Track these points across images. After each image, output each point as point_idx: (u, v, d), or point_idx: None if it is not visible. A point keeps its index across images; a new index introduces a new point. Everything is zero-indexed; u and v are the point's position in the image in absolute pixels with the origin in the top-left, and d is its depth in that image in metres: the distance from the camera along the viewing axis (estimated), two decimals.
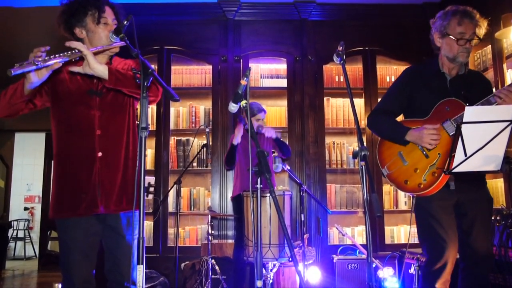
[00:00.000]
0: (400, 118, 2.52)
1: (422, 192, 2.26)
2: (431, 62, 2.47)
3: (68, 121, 2.01)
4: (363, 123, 4.59)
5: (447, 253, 2.21)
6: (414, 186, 2.27)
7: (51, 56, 1.74)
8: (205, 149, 3.91)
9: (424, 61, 2.63)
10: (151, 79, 1.70)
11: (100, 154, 1.99)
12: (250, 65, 4.78)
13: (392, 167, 2.36)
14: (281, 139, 3.88)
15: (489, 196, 2.36)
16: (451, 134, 2.24)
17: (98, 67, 1.81)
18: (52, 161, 7.77)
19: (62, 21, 2.05)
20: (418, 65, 2.57)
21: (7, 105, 1.91)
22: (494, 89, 2.45)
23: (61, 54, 1.77)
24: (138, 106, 2.25)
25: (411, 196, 2.39)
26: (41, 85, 1.93)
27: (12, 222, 8.44)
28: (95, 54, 1.96)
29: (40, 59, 1.70)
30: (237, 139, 3.72)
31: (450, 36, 2.31)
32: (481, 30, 2.32)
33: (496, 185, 3.77)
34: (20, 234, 8.86)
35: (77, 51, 1.79)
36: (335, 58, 2.09)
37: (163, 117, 4.66)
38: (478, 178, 2.33)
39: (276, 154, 3.84)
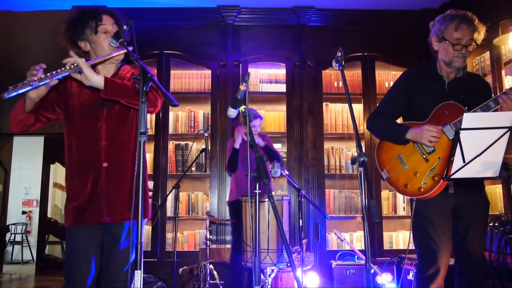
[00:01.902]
0: (398, 121, 2.52)
1: (422, 196, 2.25)
2: (429, 66, 2.47)
3: (77, 132, 2.06)
4: (362, 128, 4.60)
5: (439, 259, 2.21)
6: (414, 190, 2.26)
7: (48, 74, 1.77)
8: (203, 153, 3.91)
9: (422, 64, 2.62)
10: (150, 84, 1.70)
11: (105, 164, 2.02)
12: (249, 70, 4.79)
13: (392, 170, 2.35)
14: (270, 147, 3.86)
15: (487, 200, 2.35)
16: (450, 138, 2.24)
17: (95, 78, 1.84)
18: (51, 166, 7.74)
19: (66, 39, 2.10)
20: (416, 68, 2.57)
21: (17, 122, 1.98)
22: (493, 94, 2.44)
23: (58, 70, 1.80)
24: None
25: (410, 200, 2.38)
26: (53, 99, 2.02)
27: (10, 226, 8.41)
28: (96, 64, 2.00)
29: (35, 78, 1.73)
30: (238, 142, 3.71)
31: (447, 41, 2.31)
32: (479, 36, 2.31)
33: (495, 191, 3.77)
34: (18, 238, 8.82)
35: (73, 64, 1.82)
36: (334, 63, 2.08)
37: (162, 121, 4.66)
38: (476, 183, 2.33)
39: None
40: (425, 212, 2.28)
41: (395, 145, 2.38)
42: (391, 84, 2.64)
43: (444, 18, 2.35)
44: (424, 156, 2.28)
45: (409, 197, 2.37)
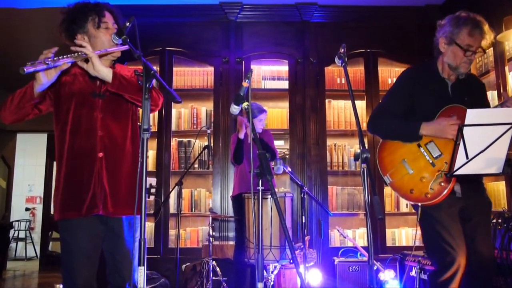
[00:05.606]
0: None
1: (428, 202, 2.19)
2: (430, 65, 2.41)
3: (70, 122, 2.01)
4: (364, 125, 4.58)
5: (458, 262, 2.14)
6: (421, 196, 2.20)
7: (59, 57, 1.78)
8: (206, 150, 3.92)
9: (423, 63, 2.54)
10: (153, 81, 1.70)
11: (101, 154, 2.00)
12: (252, 66, 4.79)
13: (395, 175, 2.28)
14: (266, 142, 3.84)
15: (489, 200, 2.33)
16: (458, 142, 2.19)
17: (103, 70, 1.87)
18: (54, 163, 7.82)
19: (63, 29, 2.07)
20: (417, 68, 2.49)
21: (15, 109, 1.94)
22: (496, 92, 2.41)
23: (68, 56, 1.81)
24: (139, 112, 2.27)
25: (414, 205, 2.31)
26: (45, 89, 1.95)
27: (14, 223, 8.46)
28: (99, 57, 1.97)
29: (50, 60, 1.74)
30: (242, 133, 3.69)
31: (458, 46, 2.25)
32: (487, 42, 2.27)
33: (498, 188, 3.76)
34: (22, 234, 8.88)
35: (83, 53, 1.83)
36: (336, 60, 2.07)
37: (164, 118, 4.67)
38: (479, 182, 2.30)
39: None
40: (436, 216, 2.21)
41: (398, 149, 2.32)
42: (394, 81, 2.57)
43: (457, 20, 2.27)
44: (431, 161, 2.22)
45: (415, 203, 2.28)
